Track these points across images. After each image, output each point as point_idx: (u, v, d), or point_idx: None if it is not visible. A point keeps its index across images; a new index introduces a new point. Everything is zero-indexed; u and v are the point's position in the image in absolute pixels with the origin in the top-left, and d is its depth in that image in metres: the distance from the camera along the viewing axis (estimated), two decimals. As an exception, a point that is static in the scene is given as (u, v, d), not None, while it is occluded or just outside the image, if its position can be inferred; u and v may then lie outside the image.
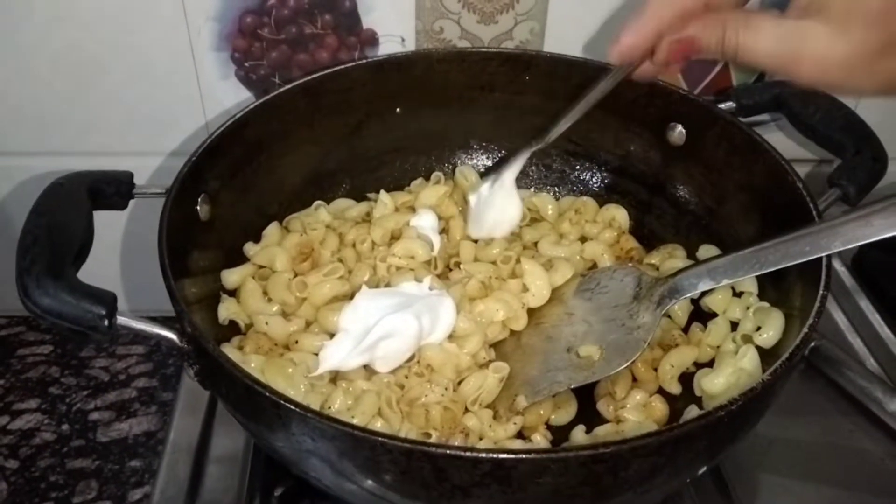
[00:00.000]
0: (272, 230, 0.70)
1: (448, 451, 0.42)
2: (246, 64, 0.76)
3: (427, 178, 0.78)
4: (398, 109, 0.76)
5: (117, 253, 0.83)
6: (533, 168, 0.80)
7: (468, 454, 0.42)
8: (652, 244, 0.74)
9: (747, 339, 0.61)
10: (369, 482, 0.47)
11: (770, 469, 0.65)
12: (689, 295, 0.61)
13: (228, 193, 0.67)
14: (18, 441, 0.75)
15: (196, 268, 0.62)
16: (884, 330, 0.76)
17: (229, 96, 0.77)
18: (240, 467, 0.65)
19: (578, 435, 0.58)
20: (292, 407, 0.45)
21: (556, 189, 0.80)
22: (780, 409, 0.65)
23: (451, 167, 0.80)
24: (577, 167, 0.79)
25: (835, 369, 0.69)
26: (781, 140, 0.80)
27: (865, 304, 0.78)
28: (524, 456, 0.42)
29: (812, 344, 0.69)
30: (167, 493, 0.64)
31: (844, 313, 0.78)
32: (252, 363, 0.57)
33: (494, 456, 0.42)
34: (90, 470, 0.73)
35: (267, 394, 0.45)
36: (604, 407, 0.61)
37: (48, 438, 0.75)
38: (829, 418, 0.69)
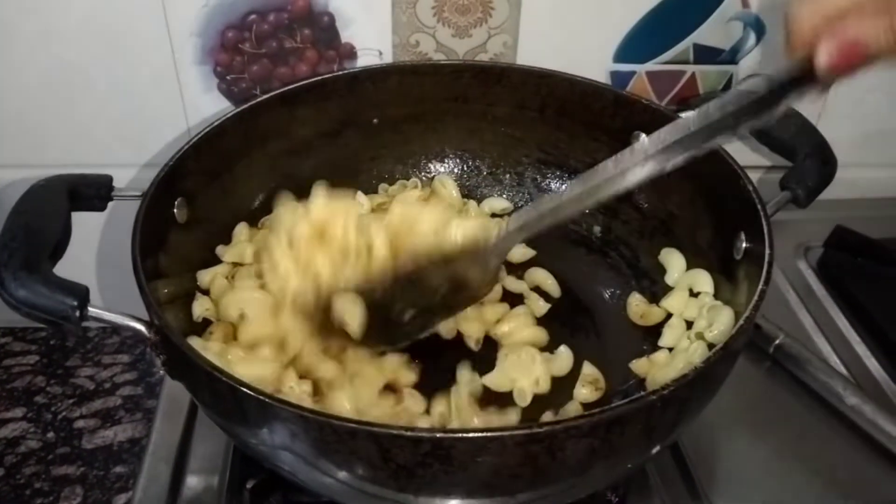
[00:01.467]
0: (241, 229, 0.72)
1: (391, 431, 0.44)
2: (228, 77, 0.78)
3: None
4: (375, 120, 0.79)
5: (95, 256, 0.86)
6: (506, 176, 0.83)
7: (409, 433, 0.44)
8: (619, 249, 0.77)
9: (700, 336, 0.63)
10: (324, 465, 0.49)
11: (734, 460, 0.67)
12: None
13: (206, 197, 0.69)
14: (4, 449, 0.76)
15: (172, 268, 0.64)
16: (848, 330, 0.78)
17: (212, 109, 0.79)
18: (220, 471, 0.66)
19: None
20: (245, 389, 0.47)
21: (529, 197, 0.83)
22: (747, 404, 0.70)
23: (426, 175, 0.83)
24: (549, 175, 0.82)
25: (799, 366, 0.72)
26: (739, 147, 0.83)
27: (830, 305, 0.80)
28: (462, 435, 0.44)
29: (777, 341, 0.73)
30: (148, 497, 0.65)
31: (810, 314, 0.79)
32: (214, 349, 0.59)
33: (433, 435, 0.44)
34: (75, 476, 0.73)
35: (223, 378, 0.48)
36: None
37: (33, 446, 0.76)
38: (793, 412, 0.71)
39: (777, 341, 0.73)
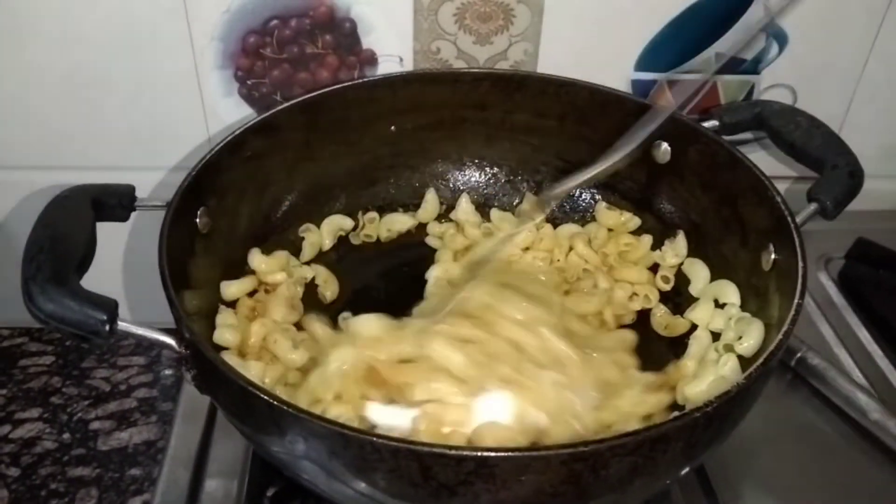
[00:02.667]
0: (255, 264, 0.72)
1: (434, 450, 0.44)
2: (248, 82, 0.78)
3: (420, 195, 0.81)
4: (392, 127, 0.78)
5: (120, 266, 0.85)
6: (524, 184, 0.82)
7: (452, 452, 0.44)
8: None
9: (729, 348, 0.63)
10: (361, 483, 0.49)
11: (755, 476, 0.67)
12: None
13: (228, 207, 0.69)
14: (20, 449, 0.76)
15: (196, 279, 0.64)
16: (870, 343, 0.77)
17: (232, 113, 0.79)
18: (238, 476, 0.66)
19: None
20: (285, 407, 0.46)
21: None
22: (767, 418, 0.68)
23: (444, 183, 0.82)
24: (568, 184, 0.81)
25: (820, 380, 0.72)
26: (763, 158, 0.83)
27: (852, 318, 0.80)
28: (506, 454, 0.44)
29: (798, 354, 0.73)
30: (167, 500, 0.65)
31: (831, 326, 0.79)
32: (252, 370, 0.59)
33: (478, 454, 0.44)
34: (90, 478, 0.73)
35: (261, 395, 0.47)
36: None
37: (49, 447, 0.76)
38: (815, 427, 0.70)
39: (799, 354, 0.73)
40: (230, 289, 0.68)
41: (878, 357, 0.76)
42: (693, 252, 0.73)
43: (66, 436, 0.77)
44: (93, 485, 0.73)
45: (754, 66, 0.82)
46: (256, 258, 0.71)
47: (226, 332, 0.63)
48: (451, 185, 0.82)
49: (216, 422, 0.71)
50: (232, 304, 0.68)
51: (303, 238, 0.76)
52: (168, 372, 0.83)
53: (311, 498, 0.63)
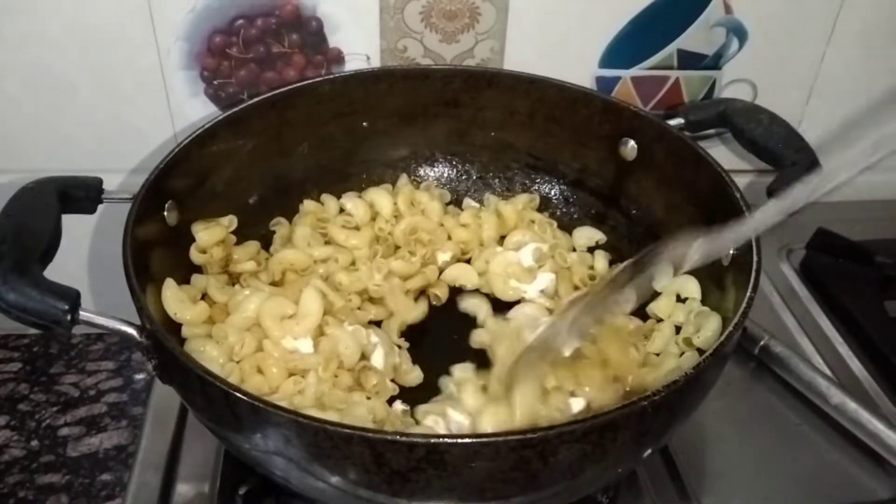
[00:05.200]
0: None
1: (385, 437, 0.45)
2: (215, 82, 0.78)
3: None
4: (364, 123, 0.79)
5: (85, 259, 0.85)
6: (496, 181, 0.83)
7: (403, 439, 0.45)
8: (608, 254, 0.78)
9: (688, 341, 0.64)
10: (317, 470, 0.49)
11: (721, 460, 0.68)
12: None
13: (196, 201, 0.69)
14: (-13, 459, 0.74)
15: (164, 272, 0.64)
16: (831, 331, 0.79)
17: (199, 114, 0.79)
18: (210, 477, 0.66)
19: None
20: (241, 395, 0.47)
21: (518, 201, 0.83)
22: (732, 405, 0.71)
23: (415, 179, 0.83)
24: (538, 180, 0.82)
25: (783, 367, 0.74)
26: (726, 154, 0.84)
27: (813, 306, 0.82)
28: (454, 441, 0.45)
29: (762, 343, 0.74)
30: (138, 503, 0.65)
31: (793, 315, 0.81)
32: (214, 354, 0.60)
33: (428, 441, 0.45)
34: (60, 485, 0.72)
35: (217, 383, 0.48)
36: None
37: (17, 455, 0.75)
38: (778, 412, 0.72)
39: (762, 343, 0.75)
40: (202, 281, 0.68)
41: (839, 344, 0.78)
42: (658, 248, 0.74)
43: (34, 443, 0.76)
44: (63, 491, 0.72)
45: (715, 62, 0.84)
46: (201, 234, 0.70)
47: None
48: (423, 182, 0.83)
49: (187, 424, 0.71)
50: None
51: (273, 232, 0.77)
52: (139, 376, 0.82)
53: (284, 495, 0.63)
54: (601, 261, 0.76)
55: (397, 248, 0.76)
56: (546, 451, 0.45)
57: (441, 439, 0.45)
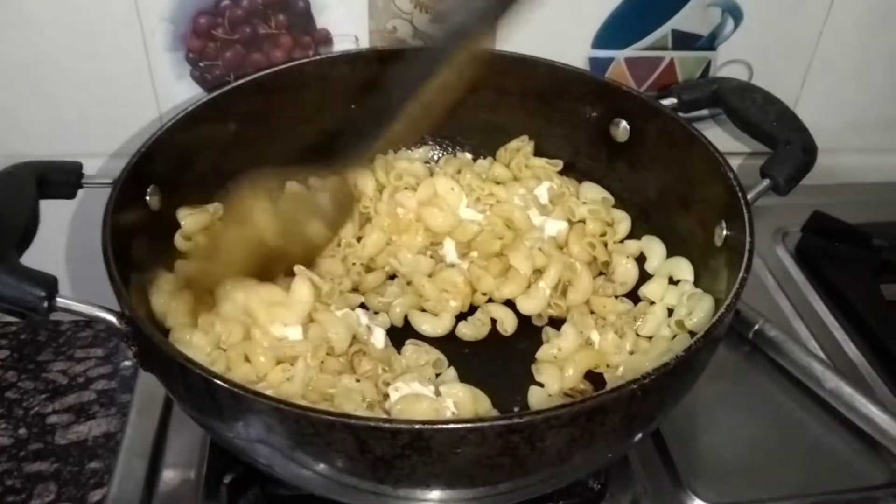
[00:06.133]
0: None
1: (368, 423, 0.44)
2: (201, 64, 0.77)
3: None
4: (353, 106, 0.77)
5: (64, 245, 0.83)
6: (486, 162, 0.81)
7: (387, 425, 0.44)
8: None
9: (680, 324, 0.63)
10: (301, 458, 0.48)
11: (714, 445, 0.67)
12: None
13: (180, 185, 0.68)
14: (-26, 447, 0.73)
15: (146, 258, 0.63)
16: (826, 315, 0.78)
17: (184, 96, 0.78)
18: (196, 465, 0.65)
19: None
20: (221, 383, 0.46)
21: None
22: (725, 389, 0.71)
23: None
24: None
25: (777, 350, 0.73)
26: (719, 134, 0.83)
27: (808, 290, 0.81)
28: (439, 427, 0.44)
29: (756, 327, 0.73)
30: (123, 493, 0.64)
31: (788, 299, 0.80)
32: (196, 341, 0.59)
33: (412, 427, 0.43)
34: (48, 473, 0.71)
35: (198, 371, 0.47)
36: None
37: (5, 443, 0.74)
38: (772, 396, 0.71)
39: (756, 326, 0.74)
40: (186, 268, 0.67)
41: (834, 328, 0.77)
42: (650, 230, 0.73)
43: (22, 431, 0.75)
44: (51, 479, 0.71)
45: (710, 43, 0.82)
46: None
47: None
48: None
49: (172, 411, 0.70)
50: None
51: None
52: (128, 363, 0.81)
53: (269, 482, 0.62)
54: (624, 224, 0.74)
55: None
56: (533, 436, 0.44)
57: (425, 425, 0.43)
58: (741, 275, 0.53)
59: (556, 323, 0.68)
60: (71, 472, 0.72)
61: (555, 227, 0.73)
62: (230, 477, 0.62)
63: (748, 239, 0.56)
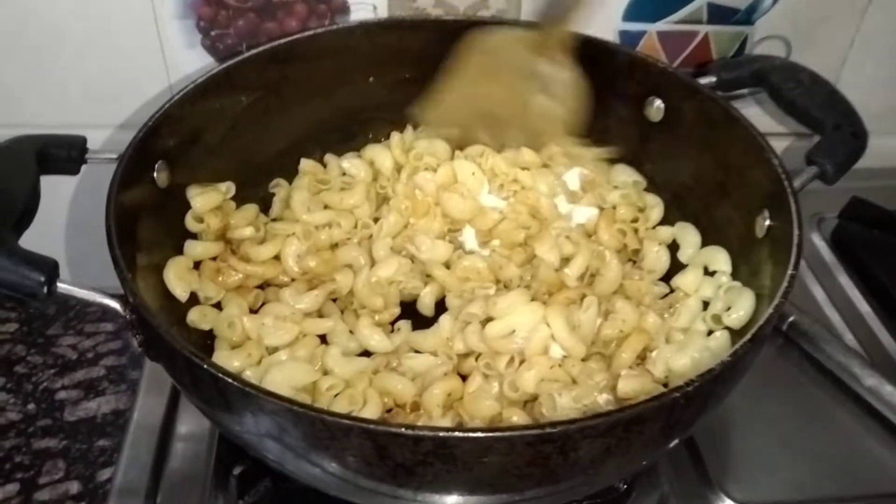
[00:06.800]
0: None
1: (388, 429, 0.41)
2: (212, 33, 0.74)
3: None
4: (371, 78, 0.74)
5: (64, 224, 0.81)
6: (511, 141, 0.77)
7: (408, 432, 0.41)
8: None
9: (717, 319, 0.60)
10: (315, 459, 0.46)
11: (746, 443, 0.65)
12: None
13: (189, 161, 0.65)
14: (-18, 422, 0.73)
15: (153, 238, 0.60)
16: (862, 305, 0.75)
17: (195, 66, 0.75)
18: (205, 447, 0.63)
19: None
20: (231, 381, 0.43)
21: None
22: (758, 384, 0.65)
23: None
24: (555, 140, 0.77)
25: (813, 344, 0.70)
26: (757, 114, 0.79)
27: (844, 279, 0.78)
28: (467, 434, 0.41)
29: (791, 318, 0.70)
30: (130, 474, 0.63)
31: (823, 288, 0.77)
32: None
33: (436, 434, 0.41)
34: (57, 449, 0.70)
35: (206, 367, 0.44)
36: None
37: (13, 418, 0.73)
38: (807, 393, 0.69)
39: (791, 318, 0.71)
40: (196, 249, 0.65)
41: (871, 319, 0.74)
42: (684, 216, 0.70)
43: (30, 406, 0.74)
44: (59, 457, 0.70)
45: (748, 17, 0.78)
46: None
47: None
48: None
49: (181, 395, 0.68)
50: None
51: (273, 194, 0.73)
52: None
53: (280, 476, 0.60)
54: (657, 209, 0.70)
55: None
56: (567, 445, 0.42)
57: (450, 433, 0.40)
58: (789, 272, 0.50)
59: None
60: (80, 449, 0.71)
61: (584, 214, 0.69)
62: (240, 469, 0.60)
63: (797, 232, 0.53)
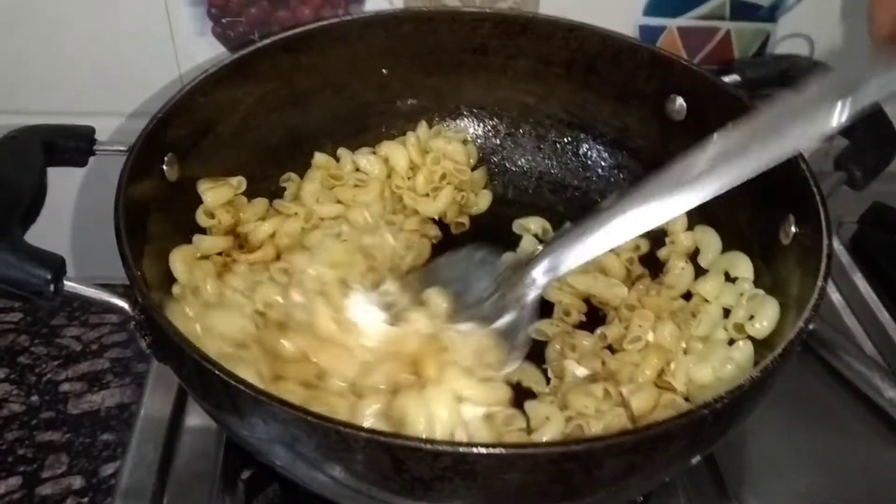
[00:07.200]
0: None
1: (407, 443, 0.39)
2: (223, 20, 0.72)
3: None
4: (384, 70, 0.73)
5: (70, 217, 0.80)
6: (526, 138, 0.77)
7: (428, 446, 0.39)
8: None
9: (739, 328, 0.58)
10: (328, 469, 0.44)
11: (763, 454, 0.64)
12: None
13: (200, 153, 0.64)
14: (-15, 412, 0.72)
15: (162, 234, 0.59)
16: (882, 313, 0.74)
17: (205, 54, 0.73)
18: (214, 445, 0.62)
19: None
20: (243, 388, 0.42)
21: (549, 161, 0.77)
22: (775, 393, 0.64)
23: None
24: (570, 138, 0.76)
25: (832, 353, 0.69)
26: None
27: (864, 286, 0.76)
28: (488, 451, 0.39)
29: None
30: (136, 473, 0.61)
31: (842, 294, 0.76)
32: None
33: (456, 450, 0.39)
34: (60, 443, 0.70)
35: (217, 372, 0.42)
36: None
37: (16, 410, 0.73)
38: (825, 403, 0.67)
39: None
40: (205, 242, 0.63)
41: (891, 328, 0.73)
42: (704, 220, 0.68)
43: (34, 398, 0.74)
44: (63, 450, 0.70)
45: (771, 14, 0.76)
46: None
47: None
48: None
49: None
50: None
51: (284, 188, 0.71)
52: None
53: (290, 482, 0.58)
54: (679, 222, 0.68)
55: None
56: (591, 463, 0.40)
57: (471, 449, 0.39)
58: (819, 283, 0.48)
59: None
60: (83, 443, 0.70)
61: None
62: (248, 473, 0.59)
63: (826, 241, 0.51)
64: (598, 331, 0.62)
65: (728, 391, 0.42)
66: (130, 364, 0.77)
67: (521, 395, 0.56)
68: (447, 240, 0.71)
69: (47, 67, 0.73)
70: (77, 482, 0.67)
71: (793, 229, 0.57)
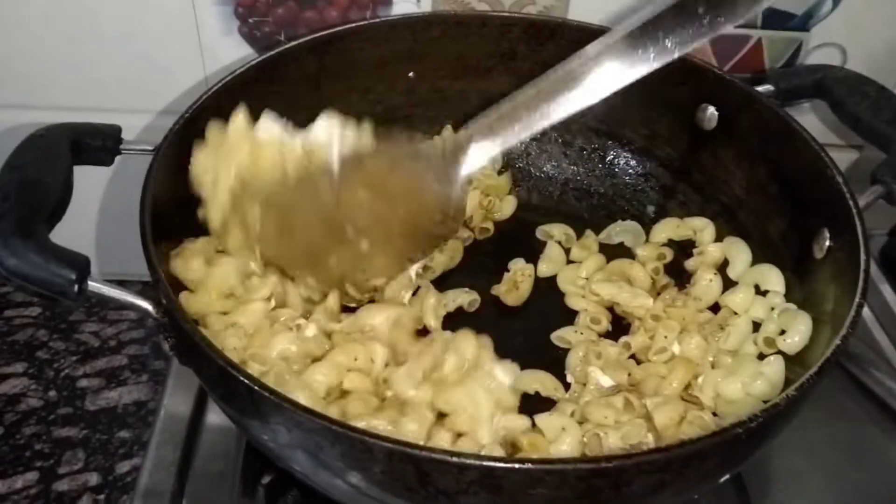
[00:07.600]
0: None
1: (433, 455, 0.39)
2: (250, 20, 0.72)
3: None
4: (411, 74, 0.72)
5: (95, 216, 0.80)
6: (552, 145, 0.76)
7: (454, 459, 0.38)
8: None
9: (770, 342, 0.57)
10: (350, 479, 0.44)
11: (789, 471, 0.63)
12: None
13: (225, 154, 0.63)
14: (3, 406, 0.72)
15: (185, 233, 0.58)
16: (914, 329, 0.72)
17: (231, 54, 0.73)
18: (234, 445, 0.62)
19: None
20: (267, 394, 0.41)
21: (575, 168, 0.76)
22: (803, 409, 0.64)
23: (465, 139, 0.76)
24: (598, 145, 0.75)
25: (859, 367, 0.68)
26: (812, 123, 0.75)
27: (893, 299, 0.75)
28: (516, 465, 0.38)
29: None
30: (156, 474, 0.61)
31: (871, 309, 0.74)
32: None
33: (483, 463, 0.38)
34: (77, 439, 0.70)
35: (241, 378, 0.42)
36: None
37: (34, 405, 0.73)
38: (853, 419, 0.66)
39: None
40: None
41: (921, 342, 0.72)
42: (734, 231, 0.67)
43: (52, 393, 0.74)
44: (80, 446, 0.70)
45: (804, 23, 0.75)
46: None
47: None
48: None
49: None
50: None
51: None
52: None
53: (309, 487, 0.58)
54: (707, 232, 0.68)
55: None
56: (620, 480, 0.39)
57: (498, 463, 0.38)
58: (857, 300, 0.47)
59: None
60: (100, 440, 0.70)
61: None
62: (268, 478, 0.58)
63: (863, 256, 0.50)
64: (622, 339, 0.61)
65: (763, 410, 0.41)
66: (148, 361, 0.76)
67: (535, 406, 0.56)
68: (474, 245, 0.70)
69: (77, 66, 0.73)
70: (93, 479, 0.68)
71: (827, 243, 0.56)
